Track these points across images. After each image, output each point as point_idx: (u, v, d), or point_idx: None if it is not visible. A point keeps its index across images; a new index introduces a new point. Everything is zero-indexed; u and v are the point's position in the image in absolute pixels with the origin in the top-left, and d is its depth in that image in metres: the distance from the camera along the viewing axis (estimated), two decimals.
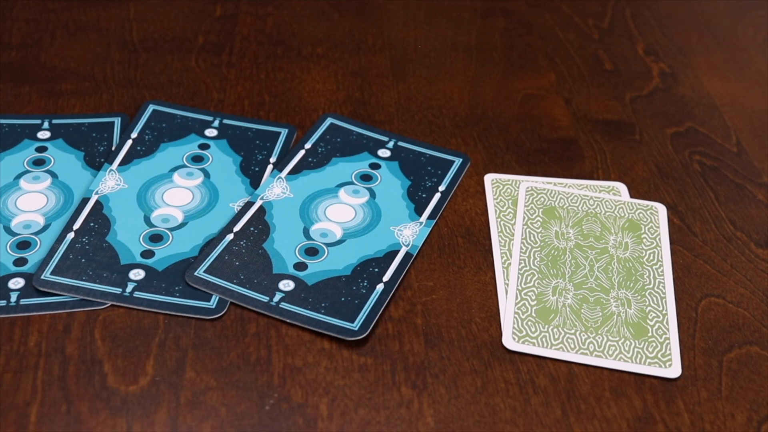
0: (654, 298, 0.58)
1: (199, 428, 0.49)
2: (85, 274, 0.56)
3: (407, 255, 0.59)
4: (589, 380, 0.53)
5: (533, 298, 0.57)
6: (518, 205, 0.64)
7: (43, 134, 0.67)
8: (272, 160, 0.67)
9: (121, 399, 0.50)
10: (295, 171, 0.66)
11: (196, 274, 0.57)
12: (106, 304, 0.55)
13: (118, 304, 0.55)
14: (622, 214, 0.64)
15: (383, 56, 0.80)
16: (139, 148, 0.67)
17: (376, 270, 0.58)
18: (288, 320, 0.55)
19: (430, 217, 0.63)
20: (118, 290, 0.55)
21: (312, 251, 0.59)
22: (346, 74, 0.77)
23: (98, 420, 0.49)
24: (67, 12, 0.82)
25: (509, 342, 0.54)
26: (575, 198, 0.65)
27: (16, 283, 0.56)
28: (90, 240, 0.59)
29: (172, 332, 0.54)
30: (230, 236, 0.59)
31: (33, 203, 0.61)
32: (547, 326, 0.55)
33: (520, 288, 0.58)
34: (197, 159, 0.66)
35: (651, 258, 0.60)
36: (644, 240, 0.62)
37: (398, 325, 0.55)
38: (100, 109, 0.71)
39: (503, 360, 0.54)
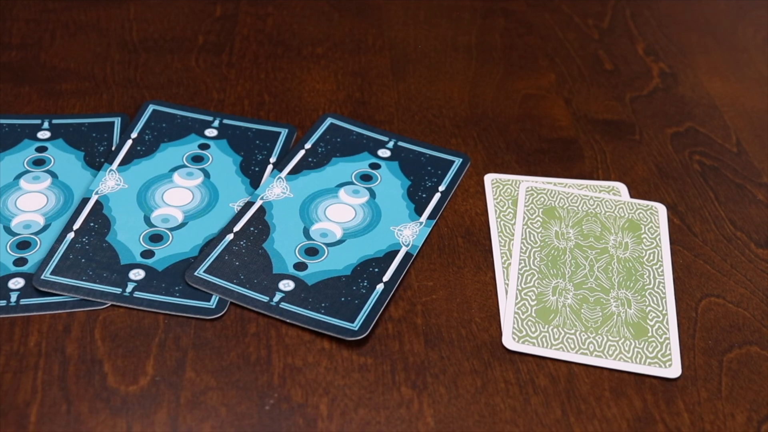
0: (654, 298, 0.58)
1: (199, 428, 0.49)
2: (85, 274, 0.56)
3: (407, 255, 0.59)
4: (589, 380, 0.53)
5: (533, 298, 0.57)
6: (518, 205, 0.64)
7: (43, 134, 0.67)
8: (272, 160, 0.67)
9: (121, 399, 0.50)
10: (295, 171, 0.66)
11: (196, 274, 0.57)
12: (106, 304, 0.55)
13: (118, 304, 0.55)
14: (622, 214, 0.64)
15: (383, 56, 0.80)
16: (139, 148, 0.67)
17: (376, 270, 0.58)
18: (288, 320, 0.55)
19: (430, 217, 0.63)
20: (118, 290, 0.55)
21: (312, 251, 0.59)
22: (346, 74, 0.77)
23: (98, 420, 0.49)
24: (67, 12, 0.82)
25: (509, 342, 0.54)
26: (575, 198, 0.65)
27: (16, 283, 0.56)
28: (90, 240, 0.59)
29: (172, 332, 0.54)
30: (230, 236, 0.59)
31: (33, 203, 0.61)
32: (547, 326, 0.55)
33: (520, 288, 0.58)
34: (197, 159, 0.66)
35: (651, 258, 0.60)
36: (644, 240, 0.62)
37: (398, 325, 0.55)
38: (100, 109, 0.71)
39: (503, 360, 0.54)
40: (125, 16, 0.82)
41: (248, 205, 0.62)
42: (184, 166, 0.65)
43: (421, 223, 0.62)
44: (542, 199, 0.64)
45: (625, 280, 0.59)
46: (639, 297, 0.58)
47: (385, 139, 0.69)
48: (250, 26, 0.82)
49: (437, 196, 0.65)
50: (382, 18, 0.85)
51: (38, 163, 0.65)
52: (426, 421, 0.50)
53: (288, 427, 0.49)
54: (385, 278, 0.57)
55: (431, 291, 0.58)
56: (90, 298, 0.55)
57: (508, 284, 0.58)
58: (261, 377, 0.52)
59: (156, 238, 0.59)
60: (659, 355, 0.54)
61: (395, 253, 0.59)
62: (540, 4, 0.89)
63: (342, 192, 0.64)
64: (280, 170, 0.65)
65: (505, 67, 0.80)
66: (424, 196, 0.64)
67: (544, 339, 0.54)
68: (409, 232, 0.61)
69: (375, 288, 0.57)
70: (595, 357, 0.54)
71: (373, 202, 0.64)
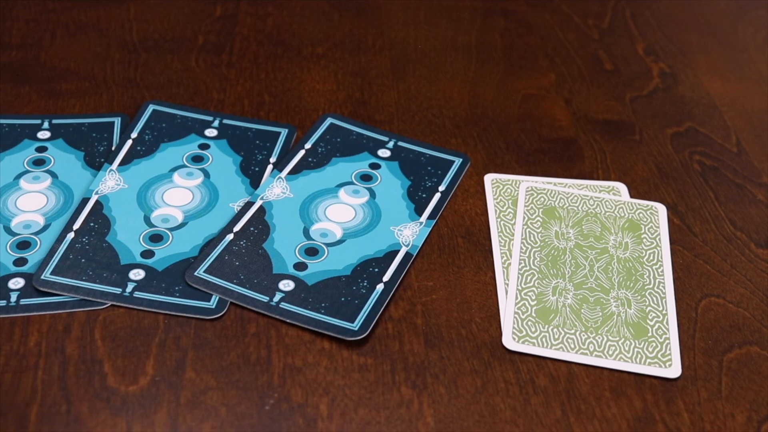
0: (654, 298, 0.58)
1: (199, 428, 0.49)
2: (85, 274, 0.56)
3: (407, 255, 0.59)
4: (589, 380, 0.53)
5: (533, 298, 0.57)
6: (518, 205, 0.64)
7: (43, 134, 0.67)
8: (272, 160, 0.67)
9: (121, 399, 0.50)
10: (295, 171, 0.66)
11: (196, 274, 0.57)
12: (106, 304, 0.55)
13: (118, 304, 0.55)
14: (622, 214, 0.64)
15: (383, 56, 0.80)
16: (139, 148, 0.67)
17: (376, 270, 0.58)
18: (288, 320, 0.55)
19: (430, 217, 0.63)
20: (118, 290, 0.55)
21: (312, 251, 0.59)
22: (346, 74, 0.77)
23: (98, 420, 0.49)
24: (67, 12, 0.82)
25: (509, 342, 0.54)
26: (575, 198, 0.65)
27: (16, 283, 0.56)
28: (90, 240, 0.59)
29: (172, 332, 0.54)
30: (230, 236, 0.59)
31: (33, 203, 0.61)
32: (547, 326, 0.55)
33: (520, 288, 0.58)
34: (197, 159, 0.66)
35: (651, 258, 0.60)
36: (644, 240, 0.62)
37: (398, 325, 0.55)
38: (100, 109, 0.71)
39: (503, 360, 0.54)
40: (125, 16, 0.82)
41: (248, 205, 0.62)
42: (184, 166, 0.65)
43: (421, 223, 0.62)
44: (542, 199, 0.64)
45: (625, 280, 0.59)
46: (639, 297, 0.58)
47: (385, 139, 0.69)
48: (250, 26, 0.82)
49: (437, 196, 0.65)
50: (382, 18, 0.85)
51: (38, 163, 0.65)
52: (426, 421, 0.50)
53: (288, 427, 0.49)
54: (385, 278, 0.57)
55: (431, 291, 0.58)
56: (90, 298, 0.55)
57: (508, 284, 0.58)
58: (261, 377, 0.52)
59: (156, 238, 0.59)
60: (659, 355, 0.54)
61: (395, 253, 0.59)
62: (540, 4, 0.89)
63: (342, 192, 0.64)
64: (280, 170, 0.65)
65: (505, 67, 0.80)
66: (424, 196, 0.64)
67: (544, 339, 0.54)
68: (409, 232, 0.61)
69: (375, 288, 0.57)
70: (595, 357, 0.54)
71: (373, 202, 0.64)
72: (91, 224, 0.60)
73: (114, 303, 0.55)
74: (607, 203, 0.64)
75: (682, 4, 0.91)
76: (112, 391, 0.50)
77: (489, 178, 0.67)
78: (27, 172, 0.64)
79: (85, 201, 0.61)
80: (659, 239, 0.62)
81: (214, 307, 0.55)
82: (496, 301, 0.57)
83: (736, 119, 0.75)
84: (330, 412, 0.50)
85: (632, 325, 0.56)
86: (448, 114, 0.73)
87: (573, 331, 0.55)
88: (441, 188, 0.65)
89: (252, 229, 0.60)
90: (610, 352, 0.54)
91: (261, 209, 0.62)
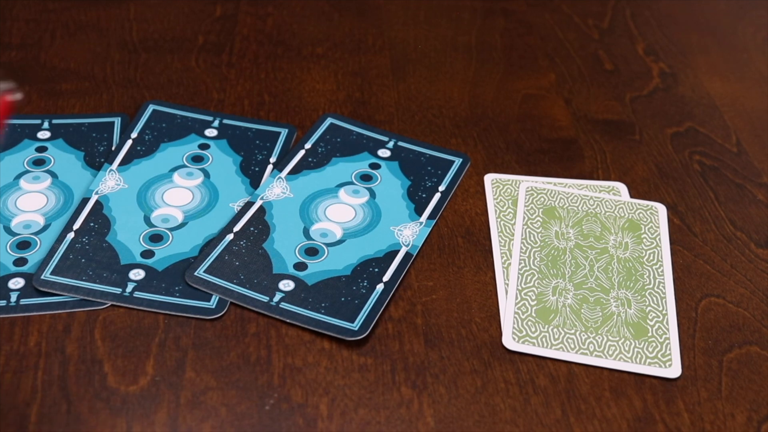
0: (654, 298, 0.58)
1: (199, 428, 0.49)
2: (85, 274, 0.56)
3: (407, 255, 0.59)
4: (589, 380, 0.53)
5: (533, 298, 0.57)
6: (518, 205, 0.64)
7: (43, 134, 0.67)
8: (272, 160, 0.67)
9: (121, 399, 0.50)
10: (295, 171, 0.66)
11: (196, 274, 0.57)
12: (106, 304, 0.55)
13: (118, 304, 0.55)
14: (622, 214, 0.64)
15: (383, 56, 0.80)
16: (139, 148, 0.67)
17: (376, 270, 0.58)
18: (288, 320, 0.55)
19: (430, 217, 0.63)
20: (118, 290, 0.55)
21: (312, 251, 0.59)
22: (346, 74, 0.77)
23: (98, 420, 0.49)
24: (67, 12, 0.82)
25: (509, 342, 0.54)
26: (575, 198, 0.65)
27: (16, 283, 0.56)
28: (90, 240, 0.59)
29: (172, 332, 0.54)
30: (230, 236, 0.59)
31: (33, 203, 0.61)
32: (547, 326, 0.55)
33: (520, 288, 0.58)
34: (197, 159, 0.66)
35: (651, 258, 0.60)
36: (644, 240, 0.62)
37: (398, 325, 0.55)
38: (100, 109, 0.71)
39: (503, 360, 0.54)
40: (125, 16, 0.82)
41: (248, 205, 0.62)
42: (184, 166, 0.65)
43: (421, 223, 0.62)
44: (542, 199, 0.64)
45: (625, 280, 0.59)
46: (639, 297, 0.58)
47: (385, 139, 0.69)
48: (250, 26, 0.82)
49: (437, 196, 0.65)
50: (382, 18, 0.85)
51: (38, 163, 0.65)
52: (426, 421, 0.50)
53: (288, 427, 0.49)
54: (385, 278, 0.57)
55: (431, 291, 0.58)
56: (90, 298, 0.55)
57: (508, 284, 0.58)
58: (261, 377, 0.52)
59: (156, 238, 0.59)
60: (659, 355, 0.54)
61: (395, 253, 0.59)
62: (540, 4, 0.89)
63: (342, 192, 0.64)
64: (280, 170, 0.65)
65: (505, 67, 0.80)
66: (424, 196, 0.64)
67: (544, 339, 0.54)
68: (409, 232, 0.61)
69: (375, 288, 0.57)
70: (595, 357, 0.54)
71: (373, 202, 0.64)
72: (91, 224, 0.60)
73: (114, 303, 0.55)
74: (607, 203, 0.64)
75: (682, 4, 0.91)
76: (112, 391, 0.50)
77: (489, 178, 0.67)
78: (27, 172, 0.64)
79: (85, 201, 0.61)
80: (659, 239, 0.62)
81: (214, 307, 0.55)
82: (496, 301, 0.57)
83: (736, 119, 0.75)
84: (330, 412, 0.50)
85: (632, 325, 0.56)
86: (448, 114, 0.73)
87: (573, 331, 0.55)
88: (441, 188, 0.65)
89: (252, 229, 0.60)
90: (610, 352, 0.54)
91: (261, 209, 0.62)
